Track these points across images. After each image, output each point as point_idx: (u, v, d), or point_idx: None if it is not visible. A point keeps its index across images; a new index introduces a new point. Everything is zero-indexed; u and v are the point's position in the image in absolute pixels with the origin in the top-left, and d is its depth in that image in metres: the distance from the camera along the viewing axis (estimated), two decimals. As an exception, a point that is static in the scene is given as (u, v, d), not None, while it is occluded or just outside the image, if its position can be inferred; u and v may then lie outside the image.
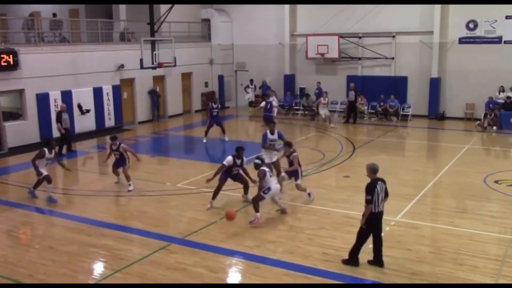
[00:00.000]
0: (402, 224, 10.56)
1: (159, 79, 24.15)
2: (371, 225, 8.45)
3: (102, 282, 8.36)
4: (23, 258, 9.30)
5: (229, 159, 11.45)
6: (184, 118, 25.59)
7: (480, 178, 13.70)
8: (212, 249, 9.47)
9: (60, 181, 14.43)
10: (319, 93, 24.16)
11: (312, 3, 25.12)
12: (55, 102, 19.31)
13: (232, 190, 12.36)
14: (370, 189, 8.32)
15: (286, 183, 12.40)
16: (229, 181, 11.81)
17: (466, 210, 11.54)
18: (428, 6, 22.69)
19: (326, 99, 22.20)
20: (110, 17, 25.18)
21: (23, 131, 18.58)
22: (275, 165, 12.57)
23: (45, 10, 25.33)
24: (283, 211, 11.12)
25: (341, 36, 24.42)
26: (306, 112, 25.05)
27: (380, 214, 8.47)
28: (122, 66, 22.08)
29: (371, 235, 8.59)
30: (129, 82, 23.07)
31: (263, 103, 19.89)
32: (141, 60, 18.32)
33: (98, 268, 8.98)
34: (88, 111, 20.82)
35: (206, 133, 18.99)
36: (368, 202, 8.32)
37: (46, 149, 12.35)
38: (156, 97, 23.97)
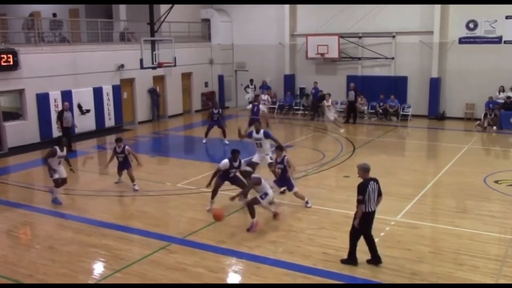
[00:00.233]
0: (402, 224, 10.57)
1: (159, 79, 24.15)
2: (362, 224, 8.45)
3: (102, 282, 8.37)
4: (23, 258, 9.30)
5: (225, 162, 11.29)
6: (184, 118, 25.60)
7: (480, 178, 13.70)
8: (212, 249, 9.47)
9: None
10: (316, 93, 24.12)
11: (312, 3, 25.13)
12: (55, 102, 19.33)
13: (233, 190, 12.30)
14: (362, 189, 8.32)
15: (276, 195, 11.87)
16: (229, 181, 11.79)
17: (466, 210, 11.54)
18: (428, 6, 22.69)
19: (330, 100, 21.41)
20: (110, 17, 25.19)
21: (23, 131, 18.59)
22: (273, 172, 12.41)
23: (45, 10, 25.33)
24: (275, 215, 10.83)
25: (341, 36, 24.42)
26: (306, 112, 25.06)
27: (372, 213, 8.48)
28: (122, 66, 22.09)
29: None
30: (129, 82, 23.07)
31: (249, 106, 19.39)
32: (141, 60, 18.33)
33: (98, 268, 8.98)
34: (88, 111, 20.81)
35: (206, 134, 18.95)
36: (359, 202, 8.32)
37: (57, 147, 12.23)
38: (156, 97, 23.98)
